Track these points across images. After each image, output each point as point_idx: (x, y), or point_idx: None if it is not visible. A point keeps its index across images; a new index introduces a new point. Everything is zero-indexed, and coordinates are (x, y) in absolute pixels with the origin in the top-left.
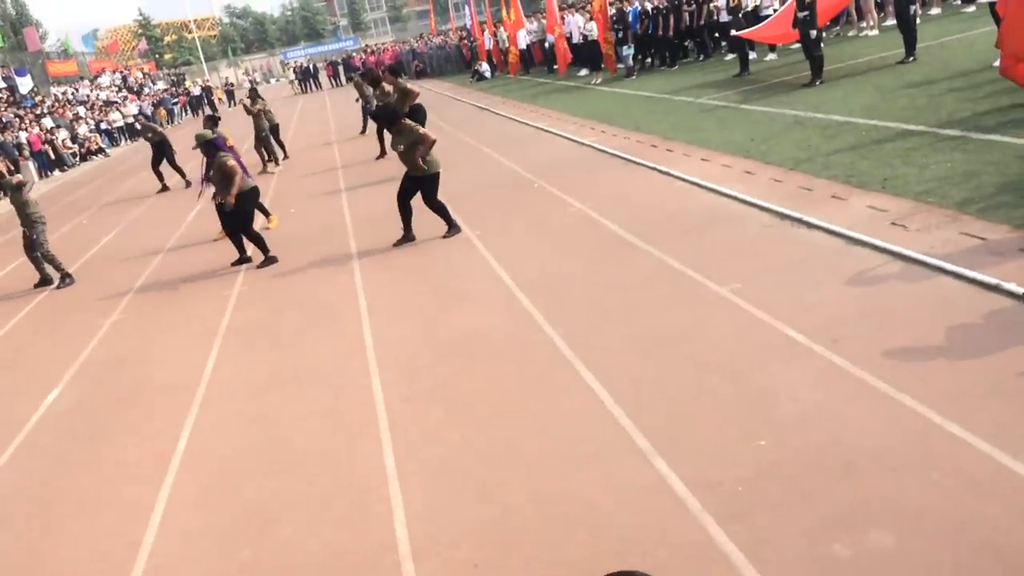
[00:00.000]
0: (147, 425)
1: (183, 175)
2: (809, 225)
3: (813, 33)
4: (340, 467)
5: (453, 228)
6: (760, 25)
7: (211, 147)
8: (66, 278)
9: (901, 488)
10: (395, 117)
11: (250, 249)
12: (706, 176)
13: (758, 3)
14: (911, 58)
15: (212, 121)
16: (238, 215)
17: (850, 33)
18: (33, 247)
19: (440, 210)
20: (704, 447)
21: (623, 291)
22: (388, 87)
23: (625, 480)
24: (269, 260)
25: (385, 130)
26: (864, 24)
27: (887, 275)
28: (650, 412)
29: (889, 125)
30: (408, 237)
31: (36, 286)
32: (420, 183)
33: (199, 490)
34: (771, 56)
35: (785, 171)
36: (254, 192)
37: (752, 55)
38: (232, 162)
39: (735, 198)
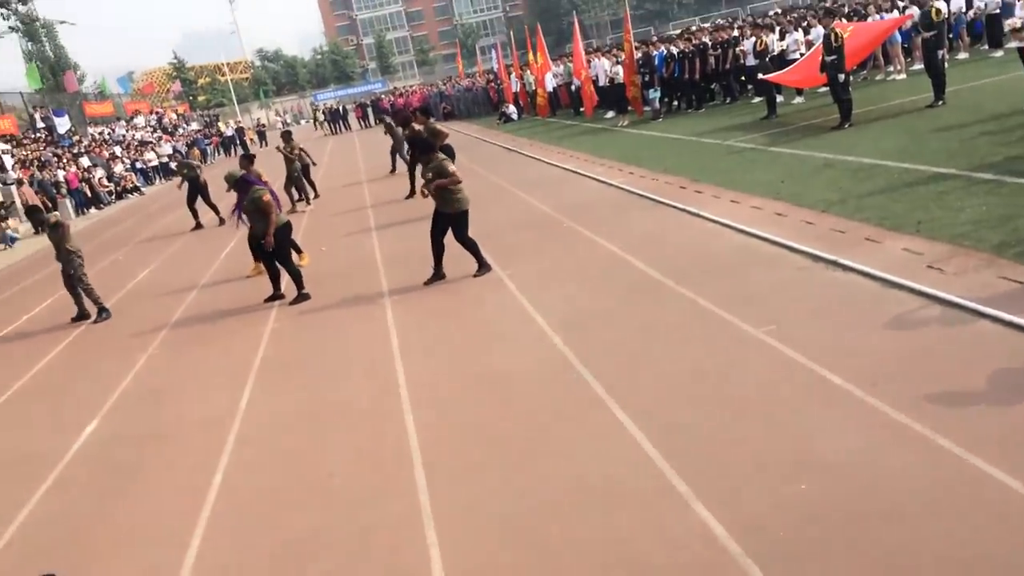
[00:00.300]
0: (183, 459)
1: (217, 212)
2: (844, 268)
3: (841, 77)
4: (375, 505)
5: (484, 267)
6: (787, 69)
7: (242, 184)
8: (103, 312)
9: (948, 535)
10: (431, 147)
11: (284, 283)
12: (737, 218)
13: (784, 47)
14: (940, 102)
15: (248, 159)
16: (279, 249)
17: (877, 77)
18: (72, 281)
19: (471, 247)
20: (744, 491)
21: (656, 331)
22: (418, 127)
23: (664, 524)
24: (302, 297)
25: (417, 164)
26: (891, 68)
27: (925, 318)
28: (688, 455)
29: (921, 168)
30: (439, 275)
31: (73, 320)
32: (449, 220)
33: (236, 525)
34: (798, 99)
35: (817, 213)
36: (287, 227)
37: (779, 98)
38: (267, 197)
39: (767, 240)
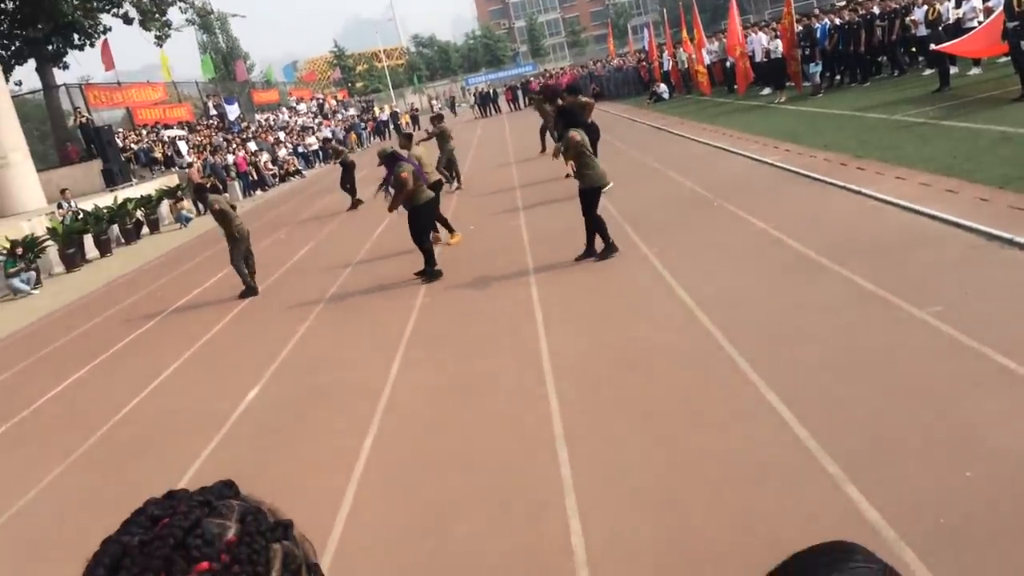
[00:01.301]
0: (337, 423)
1: (353, 194)
2: (1021, 247)
3: None
4: (517, 473)
5: (608, 249)
6: (963, 38)
7: (392, 159)
8: (251, 290)
9: None
10: (577, 119)
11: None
12: (902, 195)
13: (961, 15)
14: None
15: (407, 137)
16: (414, 226)
17: None
18: (236, 259)
19: (597, 226)
20: (900, 475)
21: (809, 311)
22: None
23: (813, 505)
24: (433, 274)
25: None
26: None
27: None
28: (840, 436)
29: None
30: (611, 247)
31: (240, 296)
32: (588, 194)
33: (384, 485)
34: (975, 71)
35: (993, 190)
36: (428, 206)
37: (953, 70)
38: (406, 173)
39: (935, 218)
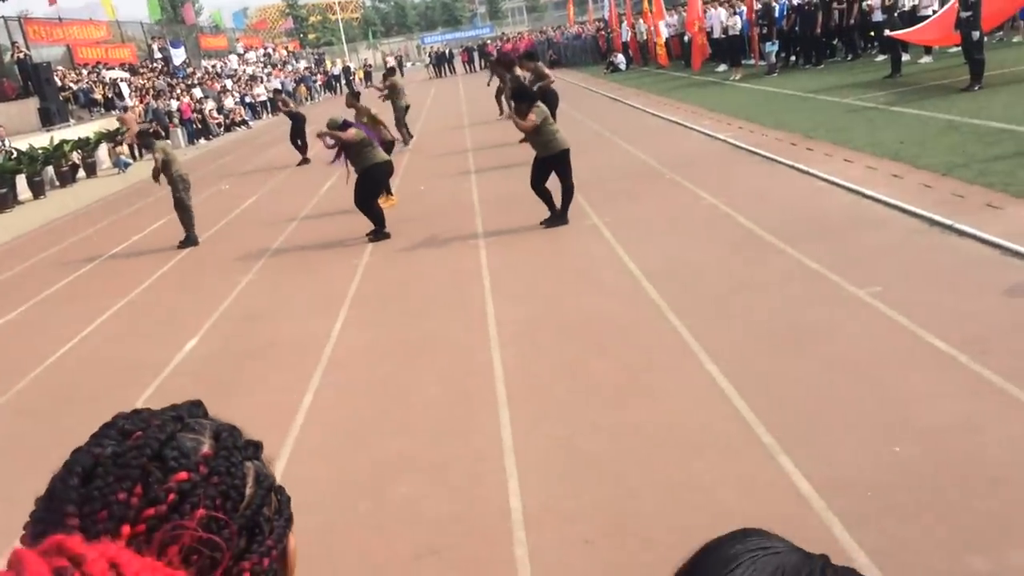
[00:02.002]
0: (276, 378)
1: (304, 151)
2: (961, 233)
3: (975, 35)
4: (458, 436)
5: (561, 218)
6: (918, 27)
7: (343, 129)
8: (191, 240)
9: None
10: (530, 97)
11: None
12: (849, 177)
13: (916, 2)
14: None
15: (355, 96)
16: (361, 189)
17: (1015, 39)
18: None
19: (566, 192)
20: (833, 448)
21: (753, 287)
22: (523, 73)
23: (748, 473)
24: (379, 235)
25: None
26: None
27: None
28: (776, 408)
29: None
30: (556, 216)
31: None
32: (551, 163)
33: (322, 443)
34: (926, 59)
35: (937, 176)
36: (379, 168)
37: (905, 57)
38: (353, 131)
39: (879, 201)
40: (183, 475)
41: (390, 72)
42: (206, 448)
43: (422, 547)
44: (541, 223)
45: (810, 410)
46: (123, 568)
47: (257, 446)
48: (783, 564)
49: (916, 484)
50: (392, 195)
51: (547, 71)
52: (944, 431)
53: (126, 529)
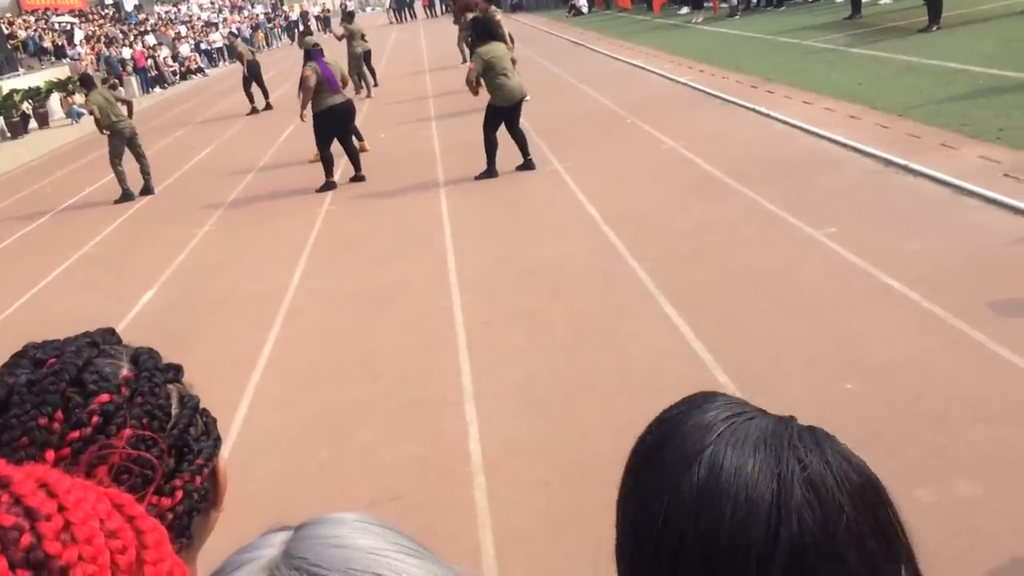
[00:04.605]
0: (234, 329)
1: (266, 96)
2: (915, 173)
3: None
4: (418, 383)
5: (529, 164)
6: None
7: (307, 56)
8: (127, 194)
9: (995, 439)
10: (492, 30)
11: (338, 173)
12: (807, 119)
13: None
14: None
15: (304, 35)
16: (315, 131)
17: None
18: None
19: (520, 140)
20: (787, 387)
21: (712, 229)
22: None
23: None
24: (328, 186)
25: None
26: None
27: (995, 227)
28: (732, 349)
29: (1009, 75)
30: (492, 172)
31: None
32: (504, 112)
33: (282, 393)
34: (886, 1)
35: (893, 117)
36: (334, 111)
37: None
38: (308, 72)
39: (837, 142)
40: (104, 397)
41: (349, 17)
42: (125, 371)
43: (382, 492)
44: (475, 177)
45: (766, 351)
46: (53, 487)
47: (178, 369)
48: (763, 429)
49: (866, 419)
50: (362, 140)
51: (498, 20)
52: (894, 368)
53: (50, 454)
